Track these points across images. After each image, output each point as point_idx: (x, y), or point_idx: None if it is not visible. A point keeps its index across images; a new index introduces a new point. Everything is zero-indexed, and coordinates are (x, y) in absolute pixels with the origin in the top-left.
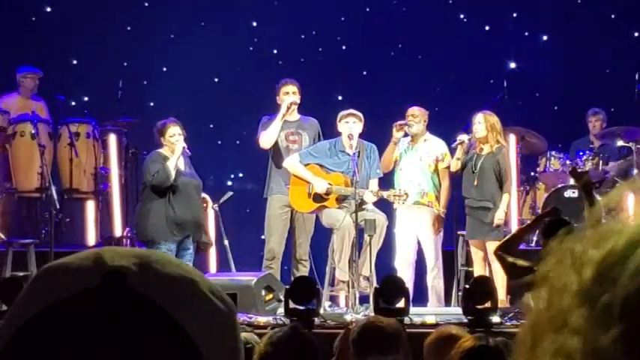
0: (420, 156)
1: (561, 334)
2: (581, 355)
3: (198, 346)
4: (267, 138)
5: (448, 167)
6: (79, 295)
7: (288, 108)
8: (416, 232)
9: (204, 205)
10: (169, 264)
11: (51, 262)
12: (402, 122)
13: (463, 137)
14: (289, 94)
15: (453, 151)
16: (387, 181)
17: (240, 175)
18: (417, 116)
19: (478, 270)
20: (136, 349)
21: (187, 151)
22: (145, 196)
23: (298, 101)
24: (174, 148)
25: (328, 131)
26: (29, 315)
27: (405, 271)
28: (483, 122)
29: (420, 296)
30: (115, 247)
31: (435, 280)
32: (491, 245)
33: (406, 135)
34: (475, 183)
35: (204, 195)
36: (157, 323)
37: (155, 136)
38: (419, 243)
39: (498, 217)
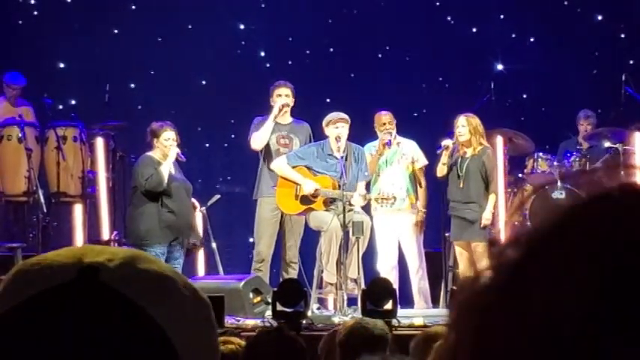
0: (397, 159)
1: None
2: None
3: (171, 340)
4: (258, 139)
5: (423, 167)
6: (54, 289)
7: (280, 110)
8: (397, 235)
9: (194, 209)
10: (146, 262)
11: (30, 258)
12: (389, 138)
13: (447, 142)
14: (282, 97)
15: (438, 157)
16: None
17: (229, 177)
18: (392, 122)
19: (464, 271)
20: (107, 343)
21: (182, 157)
22: (136, 199)
23: (291, 103)
24: (166, 151)
25: (316, 134)
26: (4, 309)
27: (388, 274)
28: (467, 125)
29: (406, 298)
30: (95, 245)
31: (420, 281)
32: (478, 246)
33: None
34: (461, 186)
35: (192, 199)
36: (129, 318)
37: (147, 137)
38: (399, 245)
39: (485, 217)
